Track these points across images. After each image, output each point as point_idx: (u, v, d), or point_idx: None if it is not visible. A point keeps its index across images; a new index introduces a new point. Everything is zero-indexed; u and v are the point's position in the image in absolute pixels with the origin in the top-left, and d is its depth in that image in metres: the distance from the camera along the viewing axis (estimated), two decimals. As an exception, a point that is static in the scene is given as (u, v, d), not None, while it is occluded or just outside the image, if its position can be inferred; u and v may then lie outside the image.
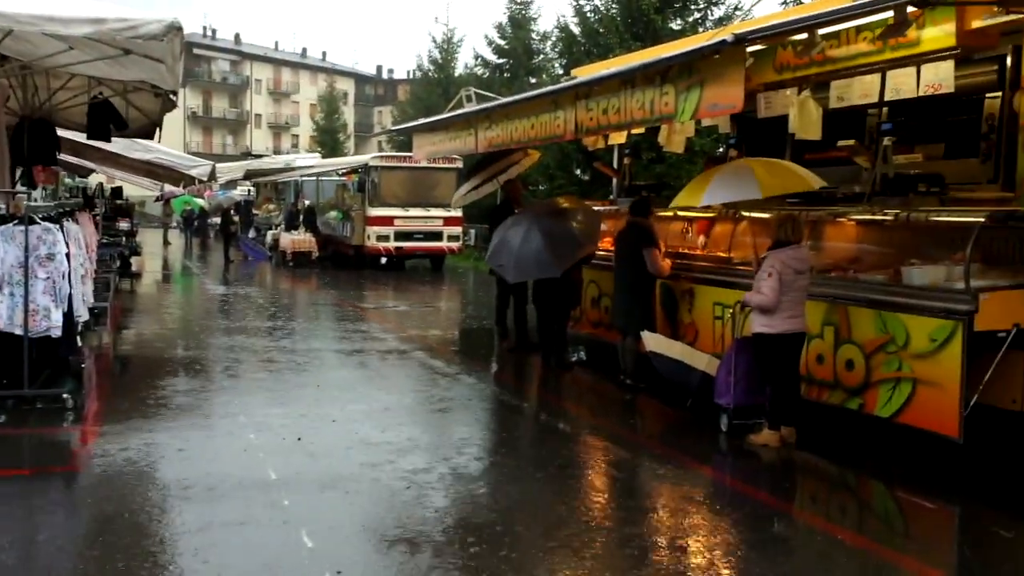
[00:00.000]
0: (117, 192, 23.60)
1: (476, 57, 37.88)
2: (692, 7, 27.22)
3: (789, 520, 6.32)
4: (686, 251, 10.78)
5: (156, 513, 5.91)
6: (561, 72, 28.49)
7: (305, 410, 8.78)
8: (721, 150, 11.86)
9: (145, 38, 6.93)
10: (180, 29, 6.97)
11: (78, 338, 9.70)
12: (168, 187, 25.72)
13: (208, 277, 25.04)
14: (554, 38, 33.02)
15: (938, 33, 7.35)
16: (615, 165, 14.29)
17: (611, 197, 14.09)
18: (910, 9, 6.78)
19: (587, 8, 27.98)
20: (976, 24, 7.28)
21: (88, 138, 12.23)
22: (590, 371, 11.70)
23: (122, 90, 10.85)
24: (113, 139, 12.35)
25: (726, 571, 5.19)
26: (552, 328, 11.36)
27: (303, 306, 18.46)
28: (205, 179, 18.21)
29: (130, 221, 22.55)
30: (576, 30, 28.46)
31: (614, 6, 26.94)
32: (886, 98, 8.80)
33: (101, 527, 5.62)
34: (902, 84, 8.55)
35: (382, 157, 27.07)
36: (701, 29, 24.70)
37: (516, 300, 12.82)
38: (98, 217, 17.61)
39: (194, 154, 45.81)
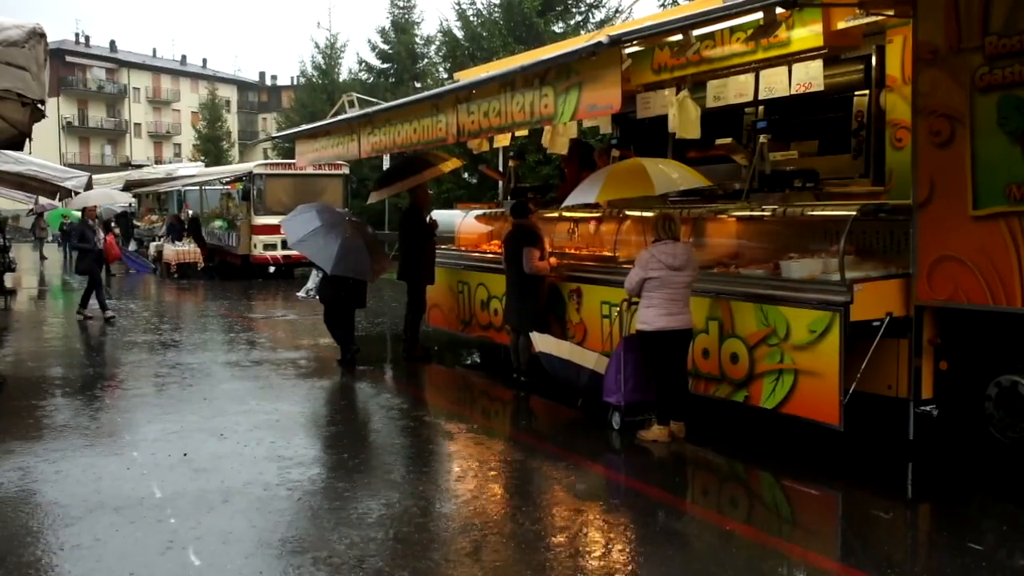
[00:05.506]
0: (-16, 206, 22.69)
1: (360, 62, 37.73)
2: (574, 10, 27.61)
3: (682, 514, 6.40)
4: (573, 251, 10.90)
5: (31, 539, 5.67)
6: (446, 76, 28.53)
7: (192, 425, 8.55)
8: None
9: (4, 44, 6.61)
10: (43, 35, 6.68)
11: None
12: (43, 200, 24.78)
13: (88, 292, 24.14)
14: (438, 42, 33.08)
15: (807, 34, 7.60)
16: (500, 168, 14.35)
17: (498, 200, 14.13)
18: (779, 10, 6.99)
19: (470, 12, 28.11)
20: (841, 25, 7.54)
21: (-51, 150, 11.71)
22: (482, 374, 11.72)
23: (-16, 99, 10.39)
24: (-23, 152, 11.86)
25: (621, 567, 5.24)
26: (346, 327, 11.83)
27: (189, 318, 18.00)
28: (81, 191, 17.58)
29: (3, 236, 21.71)
30: (459, 34, 28.57)
31: (497, 9, 27.13)
32: (760, 97, 9.03)
33: (-27, 557, 5.37)
34: (775, 83, 8.79)
35: (266, 165, 26.66)
36: (583, 32, 25.05)
37: (412, 308, 12.55)
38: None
39: (71, 165, 44.24)
